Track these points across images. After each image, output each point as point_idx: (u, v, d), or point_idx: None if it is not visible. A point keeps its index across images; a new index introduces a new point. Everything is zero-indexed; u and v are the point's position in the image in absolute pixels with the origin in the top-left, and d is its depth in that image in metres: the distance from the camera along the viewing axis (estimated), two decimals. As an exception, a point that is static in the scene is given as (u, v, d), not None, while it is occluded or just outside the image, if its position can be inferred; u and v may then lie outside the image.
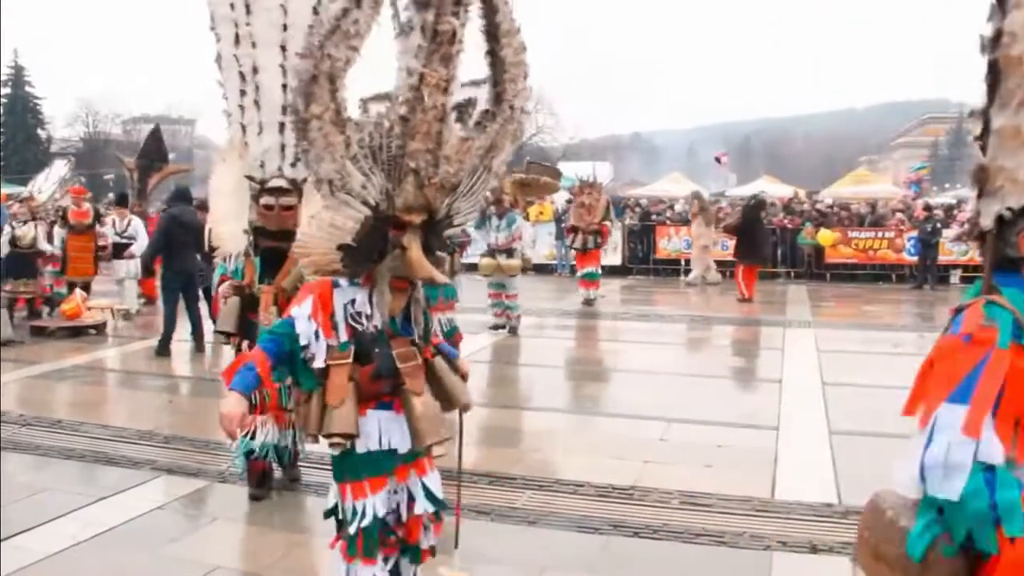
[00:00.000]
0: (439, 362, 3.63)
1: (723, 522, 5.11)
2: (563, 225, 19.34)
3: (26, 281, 12.52)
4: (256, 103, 5.14)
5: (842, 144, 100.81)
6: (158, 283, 11.41)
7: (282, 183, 5.21)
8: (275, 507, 5.56)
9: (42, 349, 10.99)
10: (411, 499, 3.55)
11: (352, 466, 3.42)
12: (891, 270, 20.35)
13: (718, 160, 43.93)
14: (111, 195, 36.14)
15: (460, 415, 3.76)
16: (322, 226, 3.36)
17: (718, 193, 38.75)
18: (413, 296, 3.52)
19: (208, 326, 10.72)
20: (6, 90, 59.47)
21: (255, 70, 5.12)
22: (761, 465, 6.22)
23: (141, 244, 13.23)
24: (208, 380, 9.61)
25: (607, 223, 15.81)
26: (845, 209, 23.39)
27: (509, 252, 11.93)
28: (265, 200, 5.20)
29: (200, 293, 11.16)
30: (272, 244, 5.29)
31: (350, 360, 3.35)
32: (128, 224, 13.16)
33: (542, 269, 20.95)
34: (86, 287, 12.79)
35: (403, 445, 3.44)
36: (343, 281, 3.41)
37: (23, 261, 12.39)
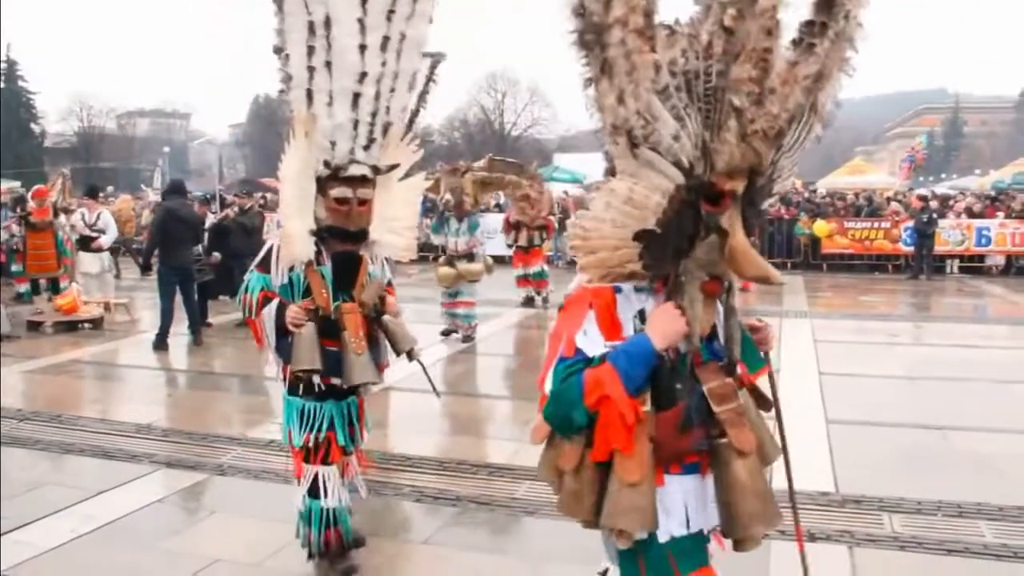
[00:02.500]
0: (747, 397, 2.60)
1: (721, 512, 5.12)
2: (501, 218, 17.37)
3: None
4: (327, 65, 3.94)
5: (838, 135, 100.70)
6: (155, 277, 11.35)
7: (364, 170, 4.09)
8: (274, 500, 5.56)
9: (39, 344, 10.98)
10: None
11: (656, 563, 2.45)
12: (887, 260, 20.38)
13: None
14: (109, 188, 36.15)
15: (787, 459, 2.81)
16: (614, 204, 2.32)
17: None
18: (727, 304, 2.50)
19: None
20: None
21: (328, 22, 3.92)
22: (758, 455, 6.23)
23: (111, 237, 13.23)
24: (206, 374, 9.62)
25: (551, 218, 14.71)
26: (842, 199, 23.43)
27: (469, 256, 11.02)
28: (338, 191, 4.06)
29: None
30: (347, 248, 4.19)
31: (647, 406, 2.32)
32: (98, 217, 13.08)
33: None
34: (54, 283, 12.78)
35: (707, 523, 2.54)
36: (625, 285, 2.41)
37: None
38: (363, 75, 3.95)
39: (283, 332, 4.09)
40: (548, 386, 2.41)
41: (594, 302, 2.38)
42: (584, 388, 2.26)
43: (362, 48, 3.92)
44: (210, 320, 12.04)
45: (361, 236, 4.18)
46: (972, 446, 6.50)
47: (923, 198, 21.48)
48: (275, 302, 4.12)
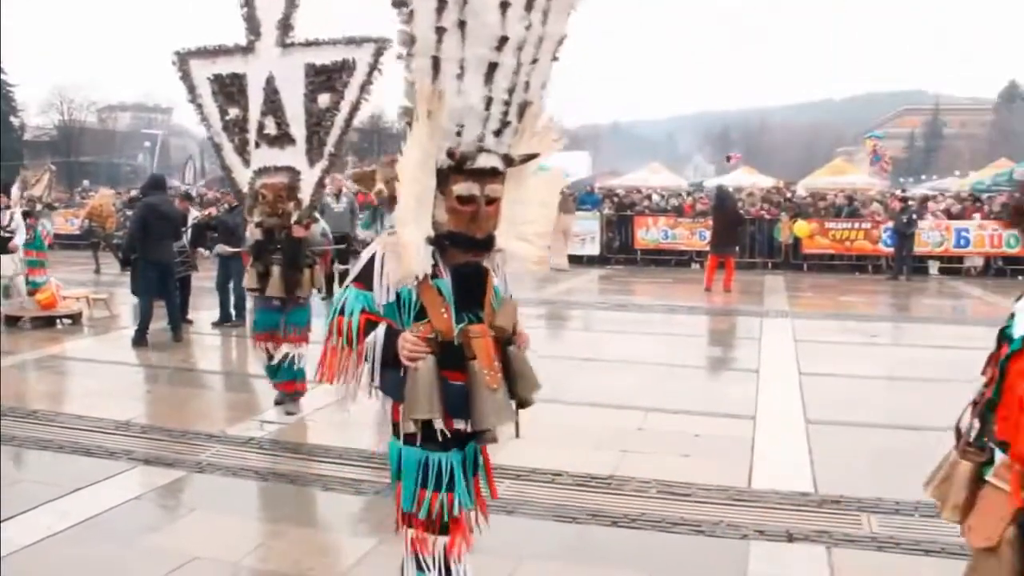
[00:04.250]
0: None
1: (700, 511, 5.14)
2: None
3: None
4: (461, 26, 3.06)
5: (820, 135, 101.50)
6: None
7: (494, 162, 3.19)
8: (252, 497, 5.55)
9: (16, 339, 10.87)
10: None
11: None
12: (867, 260, 20.52)
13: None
14: (85, 182, 35.87)
15: None
16: None
17: (696, 184, 38.94)
18: None
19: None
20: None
21: None
22: (738, 454, 6.26)
23: (20, 238, 12.73)
24: (185, 370, 9.56)
25: None
26: (823, 199, 23.62)
27: None
28: (462, 188, 3.16)
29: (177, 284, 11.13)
30: (471, 259, 3.26)
31: None
32: (11, 218, 12.73)
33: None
34: None
35: None
36: None
37: None
38: (503, 40, 3.10)
39: (391, 364, 3.20)
40: None
41: None
42: None
43: (504, 6, 3.09)
44: (190, 316, 11.99)
45: (489, 244, 3.29)
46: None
47: (904, 199, 21.66)
48: (382, 327, 3.21)
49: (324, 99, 7.00)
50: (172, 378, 9.36)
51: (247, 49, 7.11)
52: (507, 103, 3.18)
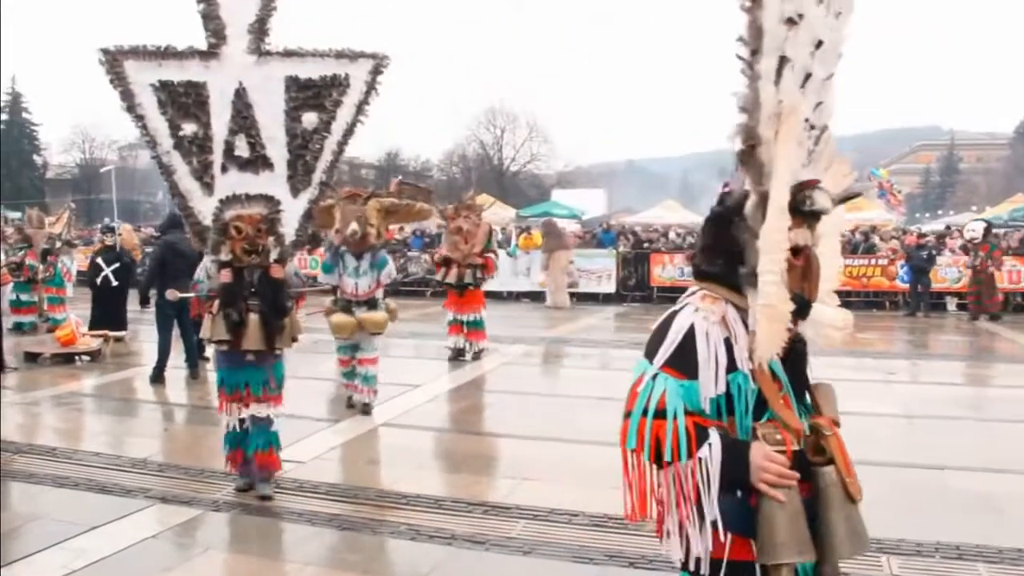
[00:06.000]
0: None
1: (718, 551, 5.10)
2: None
3: None
4: (798, 20, 2.38)
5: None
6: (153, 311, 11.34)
7: (828, 203, 2.48)
8: (268, 537, 5.54)
9: (36, 375, 10.95)
10: None
11: None
12: (884, 297, 20.43)
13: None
14: (107, 219, 36.23)
15: None
16: None
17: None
18: None
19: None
20: (3, 116, 59.85)
21: None
22: (756, 494, 6.20)
23: None
24: (203, 408, 9.58)
25: (491, 255, 12.50)
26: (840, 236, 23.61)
27: (370, 303, 8.78)
28: (799, 235, 2.46)
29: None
30: (794, 331, 2.54)
31: None
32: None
33: (536, 297, 21.00)
34: None
35: None
36: None
37: None
38: (819, 44, 2.46)
39: (732, 488, 2.39)
40: None
41: None
42: None
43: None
44: (207, 354, 12.03)
45: (808, 311, 2.57)
46: (971, 486, 6.48)
47: (920, 235, 21.60)
48: (716, 438, 2.37)
49: (310, 118, 6.13)
50: (189, 415, 9.39)
51: (208, 54, 6.00)
52: (812, 126, 2.55)
